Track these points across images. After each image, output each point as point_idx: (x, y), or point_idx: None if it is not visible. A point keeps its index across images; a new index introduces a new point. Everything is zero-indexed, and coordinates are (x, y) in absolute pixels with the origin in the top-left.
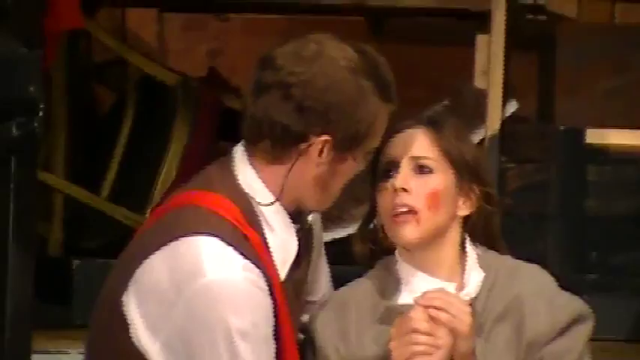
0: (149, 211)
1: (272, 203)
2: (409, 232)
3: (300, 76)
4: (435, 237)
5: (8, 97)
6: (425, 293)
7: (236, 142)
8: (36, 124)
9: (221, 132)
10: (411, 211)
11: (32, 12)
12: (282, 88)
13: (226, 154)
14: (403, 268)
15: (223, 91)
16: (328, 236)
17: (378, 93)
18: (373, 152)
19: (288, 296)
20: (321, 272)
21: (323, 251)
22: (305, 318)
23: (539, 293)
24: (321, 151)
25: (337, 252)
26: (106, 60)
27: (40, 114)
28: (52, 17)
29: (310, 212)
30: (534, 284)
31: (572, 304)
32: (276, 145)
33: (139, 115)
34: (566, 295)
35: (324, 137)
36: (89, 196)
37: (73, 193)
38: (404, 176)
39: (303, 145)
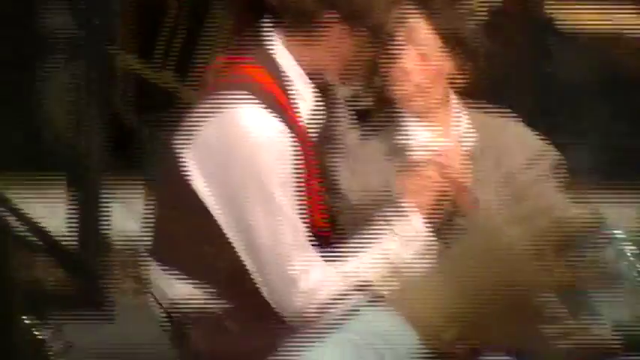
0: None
1: (301, 75)
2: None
3: None
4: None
5: None
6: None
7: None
8: None
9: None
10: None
11: None
12: None
13: (259, 34)
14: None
15: None
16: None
17: None
18: (380, 29)
19: (318, 151)
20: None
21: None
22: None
23: (514, 133)
24: (332, 26)
25: None
26: None
27: None
28: None
29: (335, 85)
30: (510, 126)
31: (543, 143)
32: (297, 23)
33: None
34: (536, 136)
35: (333, 13)
36: None
37: None
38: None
39: (319, 20)
